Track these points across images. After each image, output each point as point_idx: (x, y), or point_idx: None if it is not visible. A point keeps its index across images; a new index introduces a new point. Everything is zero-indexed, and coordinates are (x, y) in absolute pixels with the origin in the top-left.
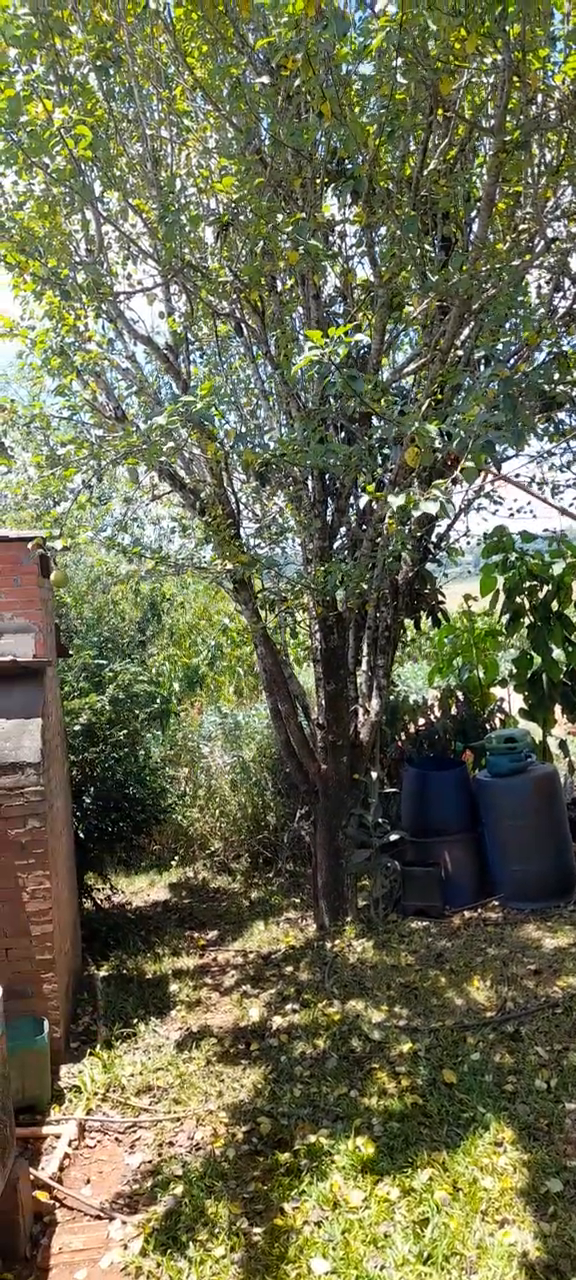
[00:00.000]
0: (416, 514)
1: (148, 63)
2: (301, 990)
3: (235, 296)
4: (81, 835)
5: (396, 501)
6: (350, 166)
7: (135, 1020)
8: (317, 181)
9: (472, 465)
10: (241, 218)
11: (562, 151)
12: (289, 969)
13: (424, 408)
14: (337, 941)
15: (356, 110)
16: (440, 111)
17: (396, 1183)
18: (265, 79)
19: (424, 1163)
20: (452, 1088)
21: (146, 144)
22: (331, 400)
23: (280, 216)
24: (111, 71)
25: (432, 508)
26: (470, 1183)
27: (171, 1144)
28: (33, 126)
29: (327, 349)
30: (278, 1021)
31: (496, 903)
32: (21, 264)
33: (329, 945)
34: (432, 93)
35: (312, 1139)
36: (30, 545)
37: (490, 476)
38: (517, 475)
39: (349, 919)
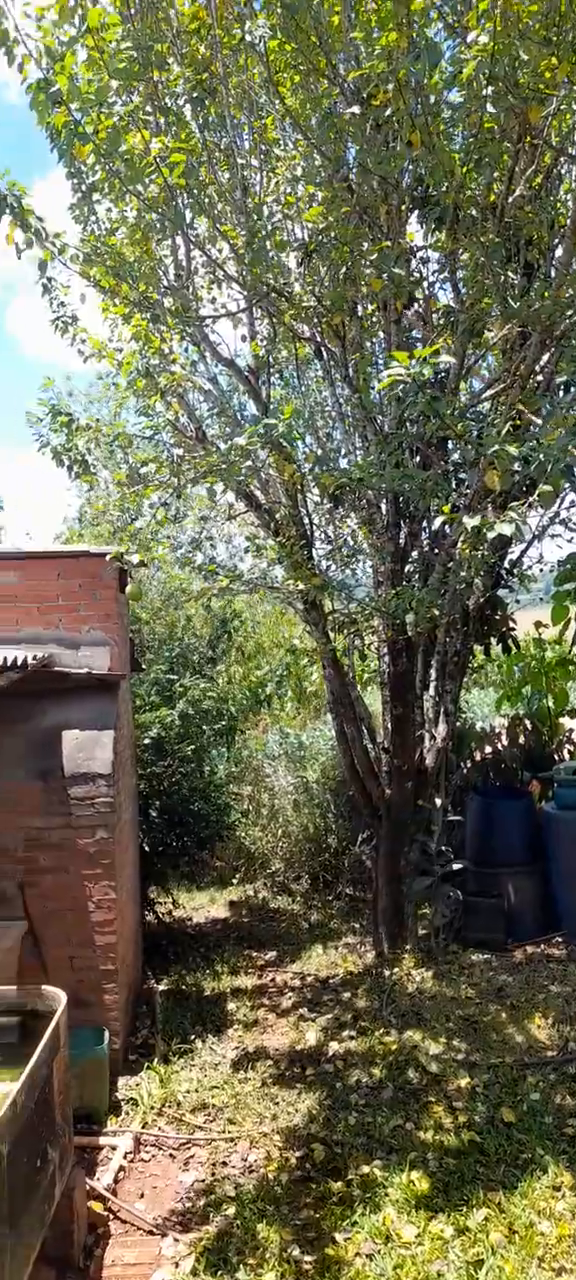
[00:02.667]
0: (491, 536)
1: (240, 94)
2: (358, 1017)
3: (316, 321)
4: (146, 848)
5: (471, 522)
6: (435, 194)
7: (192, 1037)
8: (403, 209)
9: (550, 489)
10: (325, 243)
11: None
12: (346, 994)
13: (503, 431)
14: (396, 969)
15: (444, 139)
16: (528, 139)
17: (451, 1220)
18: (355, 109)
19: (479, 1202)
20: (511, 1127)
21: (236, 172)
22: (408, 424)
23: (365, 244)
24: (206, 102)
25: (508, 529)
26: (527, 1226)
27: (225, 1164)
28: (129, 156)
29: (412, 370)
30: (334, 1047)
31: (560, 938)
32: (113, 288)
33: (387, 973)
34: (521, 120)
35: (366, 1169)
36: (108, 558)
37: (568, 500)
38: None
39: (408, 947)
